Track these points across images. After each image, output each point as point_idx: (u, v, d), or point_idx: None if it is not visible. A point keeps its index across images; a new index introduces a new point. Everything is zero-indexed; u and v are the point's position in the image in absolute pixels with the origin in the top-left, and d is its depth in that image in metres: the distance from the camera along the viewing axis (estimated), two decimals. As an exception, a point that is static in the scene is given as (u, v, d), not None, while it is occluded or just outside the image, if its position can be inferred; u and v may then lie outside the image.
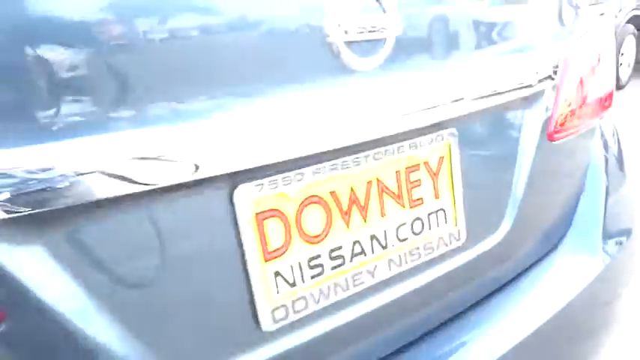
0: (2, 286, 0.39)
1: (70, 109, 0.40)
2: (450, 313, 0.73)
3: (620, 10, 5.34)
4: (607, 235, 0.87)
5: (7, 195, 0.37)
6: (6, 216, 0.37)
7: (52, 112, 0.39)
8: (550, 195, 0.81)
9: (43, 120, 0.39)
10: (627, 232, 0.89)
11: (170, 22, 0.43)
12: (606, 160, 0.93)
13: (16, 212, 0.38)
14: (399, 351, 0.67)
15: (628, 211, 0.93)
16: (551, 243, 0.84)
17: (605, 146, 0.95)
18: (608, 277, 0.85)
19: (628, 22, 5.41)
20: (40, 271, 0.41)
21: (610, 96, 0.93)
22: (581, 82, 0.84)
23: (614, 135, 1.02)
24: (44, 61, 0.38)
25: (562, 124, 0.79)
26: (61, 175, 0.39)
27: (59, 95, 0.39)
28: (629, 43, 5.45)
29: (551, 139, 0.78)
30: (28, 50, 0.38)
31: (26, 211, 0.38)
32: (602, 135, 0.97)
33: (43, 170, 0.38)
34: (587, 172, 0.89)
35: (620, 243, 0.88)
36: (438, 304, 0.71)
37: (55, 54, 0.39)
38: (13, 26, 0.37)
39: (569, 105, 0.80)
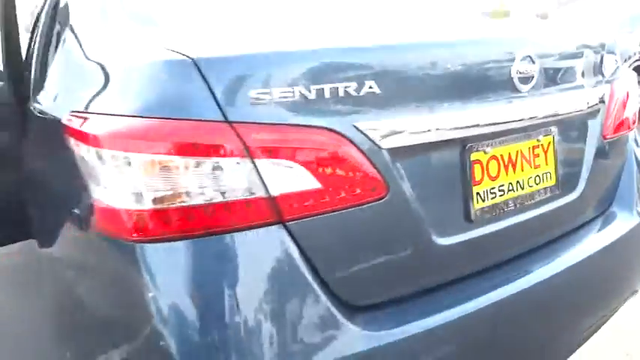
0: (391, 177, 0.91)
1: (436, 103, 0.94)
2: (549, 237, 1.23)
3: (625, 60, 5.98)
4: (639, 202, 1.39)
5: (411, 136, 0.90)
6: (403, 144, 0.90)
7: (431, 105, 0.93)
8: (604, 173, 1.33)
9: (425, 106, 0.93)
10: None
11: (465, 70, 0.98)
12: (636, 156, 1.46)
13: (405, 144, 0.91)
14: (529, 252, 1.17)
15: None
16: (606, 204, 1.35)
17: (635, 148, 1.48)
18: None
19: (633, 70, 6.04)
20: (399, 172, 0.92)
21: (635, 115, 1.46)
22: (618, 108, 1.37)
23: (638, 144, 1.54)
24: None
25: (611, 130, 1.32)
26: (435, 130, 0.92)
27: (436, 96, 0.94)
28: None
29: (604, 138, 1.30)
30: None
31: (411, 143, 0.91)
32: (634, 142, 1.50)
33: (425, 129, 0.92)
34: (625, 161, 1.41)
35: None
36: (545, 229, 1.21)
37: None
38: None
39: (614, 118, 1.33)
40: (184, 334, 0.81)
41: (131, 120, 0.82)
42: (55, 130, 1.07)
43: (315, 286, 0.86)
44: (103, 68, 0.98)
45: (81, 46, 1.13)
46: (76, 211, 0.95)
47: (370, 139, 0.88)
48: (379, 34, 0.98)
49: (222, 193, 0.81)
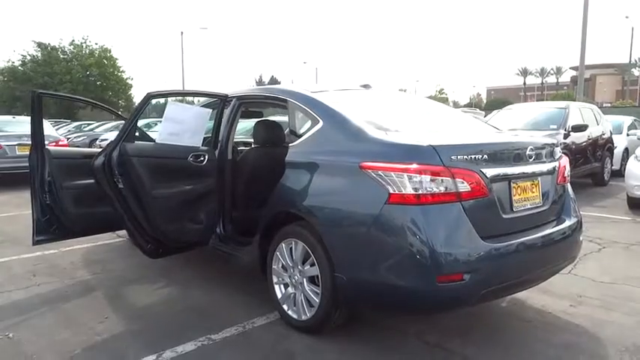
0: (490, 188, 2.53)
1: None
2: (540, 222, 2.86)
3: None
4: (574, 213, 3.08)
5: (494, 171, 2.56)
6: (493, 176, 2.55)
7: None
8: (558, 198, 3.02)
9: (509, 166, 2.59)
10: (579, 212, 3.11)
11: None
12: (570, 191, 3.18)
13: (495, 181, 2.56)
14: (536, 227, 2.80)
15: (578, 206, 3.16)
16: (559, 213, 3.03)
17: (570, 189, 3.21)
18: (577, 226, 3.04)
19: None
20: (492, 187, 2.56)
21: (568, 176, 3.20)
22: (562, 171, 3.11)
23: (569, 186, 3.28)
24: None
25: (559, 180, 3.04)
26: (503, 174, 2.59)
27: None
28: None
29: (557, 183, 3.02)
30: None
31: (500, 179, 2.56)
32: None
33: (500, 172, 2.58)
34: (566, 194, 3.12)
35: (578, 215, 3.09)
36: (538, 219, 2.85)
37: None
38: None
39: (560, 175, 3.06)
40: (427, 244, 2.34)
41: (413, 164, 2.40)
42: (343, 168, 2.63)
43: (470, 225, 2.42)
44: (386, 145, 2.56)
45: (360, 135, 2.70)
46: (373, 198, 2.48)
47: (484, 174, 2.52)
48: (485, 134, 2.71)
49: (441, 189, 2.40)
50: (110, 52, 41.01)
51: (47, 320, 3.20)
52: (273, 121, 3.98)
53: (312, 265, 2.84)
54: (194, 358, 2.68)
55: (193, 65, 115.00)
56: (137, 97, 43.92)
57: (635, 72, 61.71)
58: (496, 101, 53.92)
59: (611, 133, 10.21)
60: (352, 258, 2.60)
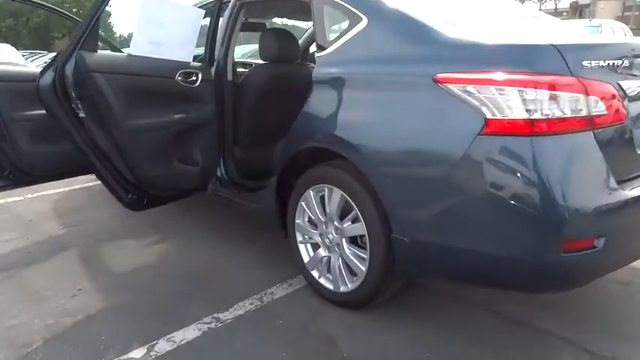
0: (627, 112, 1.70)
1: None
2: None
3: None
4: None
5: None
6: (632, 95, 1.71)
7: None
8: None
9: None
10: None
11: None
12: None
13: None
14: None
15: None
16: None
17: None
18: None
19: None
20: (630, 111, 1.73)
21: None
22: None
23: None
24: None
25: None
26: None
27: None
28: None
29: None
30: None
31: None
32: None
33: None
34: None
35: None
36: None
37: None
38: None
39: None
40: (547, 194, 1.52)
41: (525, 74, 1.55)
42: (405, 83, 1.78)
43: (606, 166, 1.62)
44: (477, 47, 1.70)
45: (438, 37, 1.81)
46: (458, 127, 1.65)
47: (624, 91, 1.68)
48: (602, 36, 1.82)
49: (567, 111, 1.56)
50: (84, -25, 38.00)
51: (0, 295, 2.44)
52: (286, 30, 3.04)
53: (355, 220, 2.06)
54: (198, 350, 1.96)
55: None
56: (117, 27, 41.40)
57: (638, -4, 59.32)
58: (493, 28, 51.57)
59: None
60: (421, 214, 1.81)
